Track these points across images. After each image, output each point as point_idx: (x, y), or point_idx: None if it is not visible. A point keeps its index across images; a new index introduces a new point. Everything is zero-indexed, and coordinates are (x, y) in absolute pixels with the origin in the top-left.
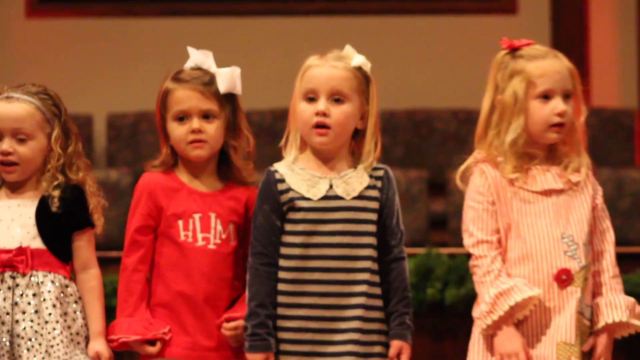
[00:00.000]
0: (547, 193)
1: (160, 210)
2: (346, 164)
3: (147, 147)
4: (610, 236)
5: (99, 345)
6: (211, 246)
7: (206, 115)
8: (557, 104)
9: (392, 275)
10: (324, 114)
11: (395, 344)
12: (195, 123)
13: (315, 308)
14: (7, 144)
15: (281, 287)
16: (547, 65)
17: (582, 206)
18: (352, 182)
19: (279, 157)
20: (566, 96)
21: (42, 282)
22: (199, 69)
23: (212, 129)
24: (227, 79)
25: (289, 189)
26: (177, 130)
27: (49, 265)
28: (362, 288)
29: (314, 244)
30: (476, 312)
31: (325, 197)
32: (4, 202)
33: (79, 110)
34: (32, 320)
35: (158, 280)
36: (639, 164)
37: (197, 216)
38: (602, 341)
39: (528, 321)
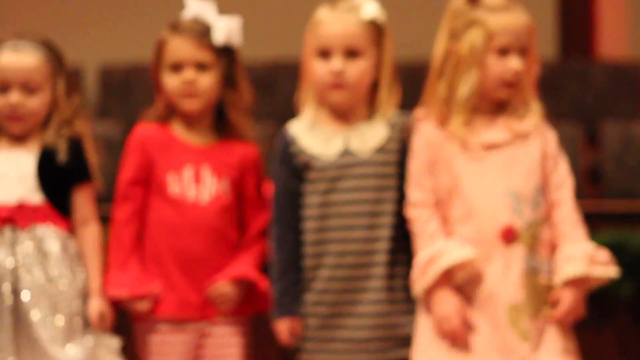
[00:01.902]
0: (491, 146)
1: (151, 163)
2: (364, 116)
3: (140, 99)
4: (567, 184)
5: (99, 304)
6: (203, 200)
7: (201, 66)
8: (513, 62)
9: None
10: (340, 73)
11: None
12: (189, 74)
13: (337, 268)
14: (16, 97)
15: (306, 250)
16: (508, 19)
17: (530, 157)
18: (368, 135)
19: (277, 111)
20: (521, 53)
21: (44, 237)
22: (197, 18)
23: (206, 81)
24: (224, 30)
25: (302, 150)
26: (171, 81)
27: (50, 219)
28: (384, 245)
29: (332, 203)
30: (412, 275)
31: (341, 154)
32: (3, 154)
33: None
34: (36, 276)
35: (148, 235)
36: None
37: (189, 169)
38: (565, 297)
39: (475, 285)
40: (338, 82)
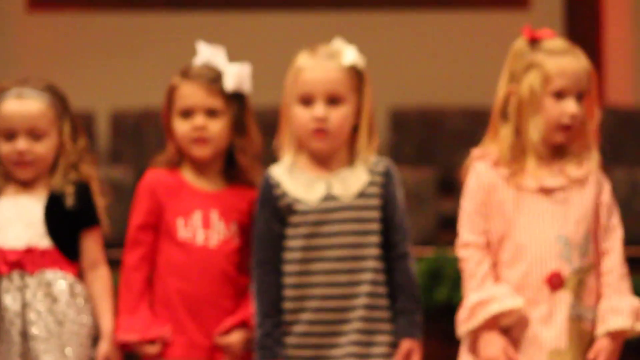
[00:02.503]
0: (546, 191)
1: (161, 208)
2: (344, 162)
3: (151, 144)
4: (617, 234)
5: (106, 348)
6: (212, 244)
7: (211, 112)
8: (569, 105)
9: (398, 273)
10: (323, 120)
11: (405, 343)
12: (199, 120)
13: (319, 312)
14: (23, 143)
15: (286, 292)
16: (566, 63)
17: (583, 204)
18: (350, 180)
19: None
20: (579, 97)
21: (52, 282)
22: (208, 65)
23: (217, 127)
24: (235, 76)
25: (285, 194)
26: (181, 127)
27: (58, 264)
28: (366, 289)
29: (314, 247)
30: (459, 315)
31: (324, 199)
32: (11, 200)
33: (81, 106)
34: (45, 321)
35: (158, 279)
36: None
37: (198, 214)
38: (605, 347)
39: (520, 328)
40: (321, 128)
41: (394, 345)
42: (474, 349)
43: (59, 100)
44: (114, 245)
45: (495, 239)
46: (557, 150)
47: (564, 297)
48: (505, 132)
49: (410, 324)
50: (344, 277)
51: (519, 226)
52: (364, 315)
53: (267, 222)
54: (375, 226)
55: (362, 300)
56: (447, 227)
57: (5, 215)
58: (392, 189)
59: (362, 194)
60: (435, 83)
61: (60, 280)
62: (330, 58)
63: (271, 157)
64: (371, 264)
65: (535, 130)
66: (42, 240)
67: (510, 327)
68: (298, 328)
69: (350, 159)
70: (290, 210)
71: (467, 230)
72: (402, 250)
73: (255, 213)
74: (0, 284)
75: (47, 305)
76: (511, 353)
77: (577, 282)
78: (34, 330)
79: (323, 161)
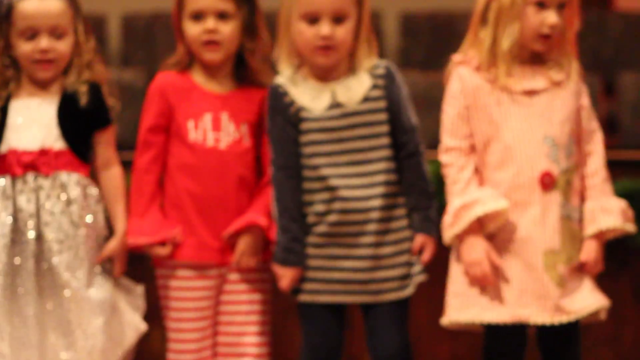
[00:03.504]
0: (529, 93)
1: (171, 110)
2: (347, 69)
3: (162, 47)
4: (599, 137)
5: (115, 246)
6: (222, 146)
7: (222, 15)
8: (550, 15)
9: (409, 171)
10: (329, 38)
11: (418, 238)
12: (210, 23)
13: (342, 213)
14: (46, 42)
15: (306, 197)
16: None
17: (565, 106)
18: (354, 86)
19: None
20: (560, 6)
21: (66, 183)
22: None
23: (228, 30)
24: None
25: (293, 102)
26: (192, 30)
27: (71, 166)
28: (379, 190)
29: (326, 153)
30: (444, 221)
31: (330, 106)
32: (24, 101)
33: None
34: (59, 222)
35: (169, 180)
36: None
37: (208, 116)
38: (595, 248)
39: (509, 231)
40: (327, 46)
41: (411, 241)
42: (459, 255)
43: (74, 0)
44: (124, 148)
45: (481, 142)
46: (537, 57)
47: (555, 197)
48: (482, 37)
49: (424, 219)
50: (357, 181)
51: (507, 128)
52: (380, 216)
53: (282, 126)
54: (383, 128)
55: (377, 202)
56: None
57: (19, 117)
58: (395, 89)
59: (366, 99)
60: None
61: (74, 182)
62: None
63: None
64: (382, 165)
65: (507, 38)
66: (56, 142)
67: (498, 232)
68: (320, 228)
69: (352, 66)
70: (299, 117)
71: (450, 135)
72: (412, 148)
73: (267, 120)
74: (15, 185)
75: (61, 207)
76: (494, 257)
77: (565, 182)
78: (48, 232)
79: (326, 72)
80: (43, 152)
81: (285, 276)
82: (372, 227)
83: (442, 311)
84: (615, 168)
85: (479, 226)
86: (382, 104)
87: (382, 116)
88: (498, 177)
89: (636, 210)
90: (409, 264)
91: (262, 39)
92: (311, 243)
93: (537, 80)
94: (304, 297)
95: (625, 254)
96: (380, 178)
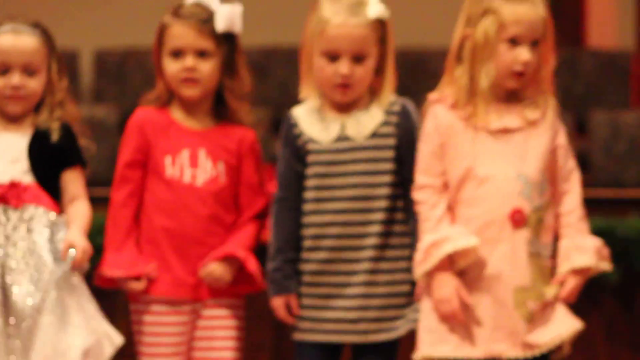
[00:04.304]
0: (504, 131)
1: (149, 145)
2: (363, 103)
3: (134, 83)
4: (576, 176)
5: (73, 234)
6: (199, 183)
7: (202, 54)
8: (522, 52)
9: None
10: (348, 77)
11: (421, 284)
12: (189, 61)
13: (332, 251)
14: (17, 78)
15: (304, 231)
16: (521, 10)
17: (540, 145)
18: (364, 121)
19: (272, 96)
20: (534, 44)
21: (33, 217)
22: (199, 4)
23: (207, 68)
24: (226, 17)
25: (302, 133)
26: (171, 67)
27: (40, 200)
28: (376, 228)
29: (327, 187)
30: (415, 258)
31: (338, 139)
32: None
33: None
34: (23, 254)
35: (144, 216)
36: (634, 106)
37: (186, 152)
38: (571, 284)
39: (479, 268)
40: (345, 84)
41: (413, 283)
42: (429, 291)
43: (49, 38)
44: (96, 184)
45: (454, 180)
46: (513, 95)
47: (524, 235)
48: (459, 76)
49: None
50: (355, 217)
51: (480, 165)
52: (374, 255)
53: (288, 160)
54: (388, 166)
55: (372, 240)
56: None
57: None
58: (409, 127)
59: (375, 134)
60: (417, 23)
61: (40, 215)
62: (356, 11)
63: (260, 98)
64: (383, 203)
65: (485, 77)
66: (25, 175)
67: (468, 270)
68: (312, 266)
69: (369, 101)
70: (305, 149)
71: (423, 173)
72: None
73: (277, 152)
74: None
75: (28, 238)
76: (463, 294)
77: (536, 219)
78: (12, 262)
79: (344, 106)
80: (13, 185)
81: (276, 307)
82: (364, 265)
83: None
84: (588, 206)
85: (450, 263)
86: (391, 141)
87: (389, 153)
88: (470, 213)
89: (608, 248)
90: (401, 306)
91: (242, 78)
92: (304, 282)
93: (512, 118)
94: (297, 336)
95: (598, 292)
96: (379, 216)
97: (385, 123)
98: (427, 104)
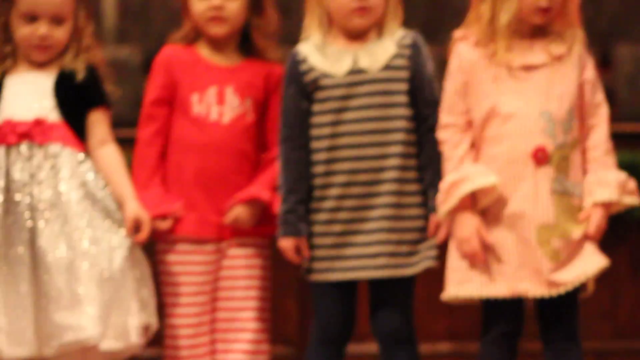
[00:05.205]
0: (528, 69)
1: (176, 83)
2: (374, 34)
3: (157, 24)
4: (603, 110)
5: (134, 208)
6: (225, 121)
7: None
8: None
9: (428, 146)
10: None
11: (433, 217)
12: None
13: (349, 186)
14: (44, 28)
15: (315, 169)
16: None
17: (566, 81)
18: (377, 52)
19: (298, 34)
20: None
21: (58, 154)
22: None
23: (234, 6)
24: None
25: (311, 69)
26: (198, 5)
27: (65, 139)
28: (395, 161)
29: (343, 121)
30: (438, 198)
31: (350, 72)
32: (21, 75)
33: None
34: (48, 192)
35: (171, 154)
36: None
37: (213, 89)
38: (595, 220)
39: (506, 204)
40: (363, 7)
41: (426, 218)
42: (452, 231)
43: None
44: (120, 125)
45: (479, 118)
46: (540, 30)
47: (547, 172)
48: (483, 12)
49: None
50: (372, 151)
51: (503, 103)
52: (394, 189)
53: (294, 98)
54: (402, 98)
55: (391, 174)
56: None
57: (16, 88)
58: (420, 60)
59: (388, 66)
60: None
61: (65, 153)
62: None
63: (287, 36)
64: (399, 136)
65: (505, 13)
66: (51, 113)
67: (491, 208)
68: (327, 204)
69: (380, 33)
70: (316, 85)
71: (446, 112)
72: (433, 123)
73: (282, 89)
74: (9, 155)
75: (52, 176)
76: (484, 233)
77: (560, 157)
78: (37, 200)
79: (357, 37)
80: (38, 122)
81: (285, 248)
82: (384, 199)
83: (439, 286)
84: (613, 140)
85: (471, 202)
86: (404, 73)
87: (402, 86)
88: (494, 151)
89: (635, 182)
90: (414, 242)
91: (269, 16)
92: (320, 220)
93: (536, 55)
94: (315, 277)
95: (623, 227)
96: (396, 149)
97: (398, 55)
98: (452, 42)
